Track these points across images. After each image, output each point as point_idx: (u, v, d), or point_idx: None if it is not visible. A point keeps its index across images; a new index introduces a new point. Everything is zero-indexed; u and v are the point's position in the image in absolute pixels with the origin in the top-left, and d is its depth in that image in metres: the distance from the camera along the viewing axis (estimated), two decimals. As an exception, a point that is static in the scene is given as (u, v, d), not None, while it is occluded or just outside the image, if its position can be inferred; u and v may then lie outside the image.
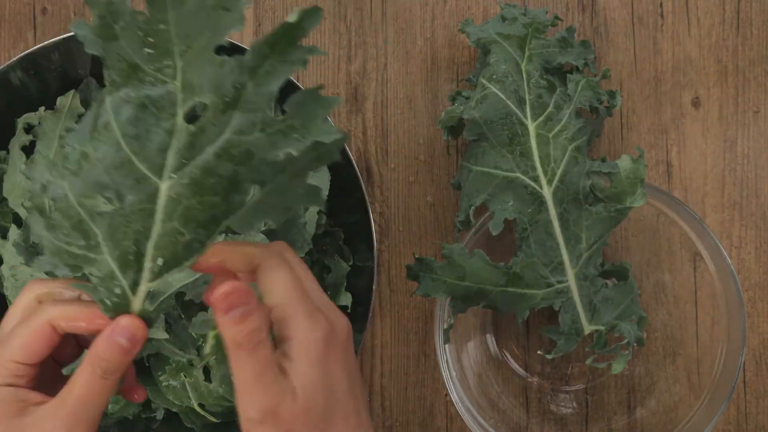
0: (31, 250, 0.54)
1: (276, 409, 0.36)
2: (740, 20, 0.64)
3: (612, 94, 0.58)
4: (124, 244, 0.36)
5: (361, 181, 0.55)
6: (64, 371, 0.41)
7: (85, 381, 0.37)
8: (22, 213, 0.55)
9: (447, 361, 0.57)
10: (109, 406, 0.54)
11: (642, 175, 0.53)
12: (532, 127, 0.53)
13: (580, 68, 0.57)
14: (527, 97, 0.54)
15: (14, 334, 0.38)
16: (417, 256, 0.53)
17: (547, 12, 0.59)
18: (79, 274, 0.37)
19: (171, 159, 0.35)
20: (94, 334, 0.38)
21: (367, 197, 0.55)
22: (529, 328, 0.64)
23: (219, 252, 0.37)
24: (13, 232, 0.55)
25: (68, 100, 0.57)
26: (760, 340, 0.63)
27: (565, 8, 0.64)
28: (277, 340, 0.38)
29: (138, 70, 0.35)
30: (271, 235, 0.54)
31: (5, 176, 0.57)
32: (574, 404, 0.63)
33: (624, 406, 0.63)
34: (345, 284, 0.59)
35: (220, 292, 0.36)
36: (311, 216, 0.57)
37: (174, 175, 0.35)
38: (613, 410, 0.63)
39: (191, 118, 0.35)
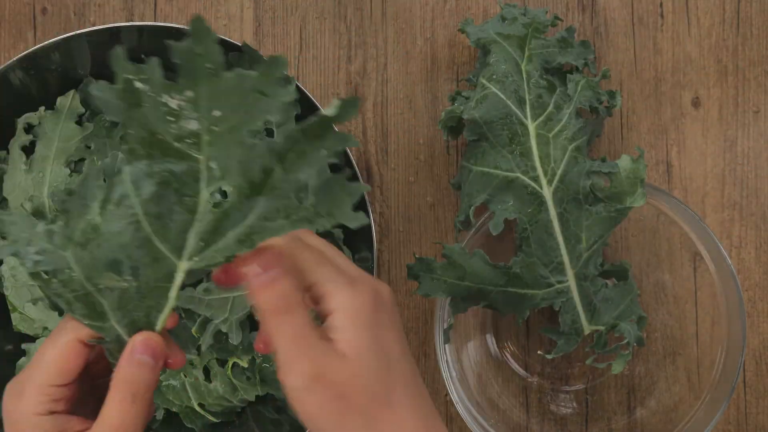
0: None
1: (322, 372, 0.35)
2: (740, 20, 0.64)
3: (612, 94, 0.58)
4: (134, 315, 0.35)
5: (361, 181, 0.55)
6: None
7: (117, 410, 0.36)
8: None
9: (447, 361, 0.57)
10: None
11: (642, 175, 0.53)
12: (532, 127, 0.53)
13: (580, 68, 0.57)
14: (527, 97, 0.54)
15: (45, 357, 0.37)
16: (417, 256, 0.53)
17: (547, 12, 0.59)
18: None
19: (192, 241, 0.33)
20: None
21: (367, 197, 0.55)
22: (529, 328, 0.64)
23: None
24: None
25: (68, 100, 0.57)
26: (760, 340, 0.63)
27: (565, 8, 0.64)
28: (321, 317, 0.37)
29: (161, 142, 0.32)
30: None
31: (5, 176, 0.57)
32: (574, 404, 0.63)
33: (624, 406, 0.63)
34: None
35: (249, 257, 0.35)
36: None
37: (195, 258, 0.34)
38: (613, 410, 0.63)
39: (214, 197, 0.34)
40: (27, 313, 0.56)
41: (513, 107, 0.53)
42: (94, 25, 0.63)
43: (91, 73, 0.58)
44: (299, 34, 0.64)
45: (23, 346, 0.56)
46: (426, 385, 0.63)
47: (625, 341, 0.55)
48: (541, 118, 0.53)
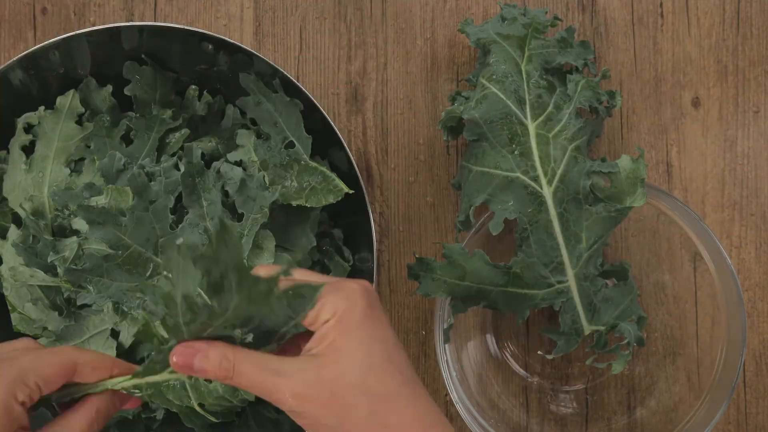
0: (30, 251, 0.54)
1: (302, 385, 0.37)
2: (740, 20, 0.64)
3: (612, 94, 0.58)
4: None
5: (361, 181, 0.55)
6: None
7: (83, 421, 0.41)
8: (22, 213, 0.55)
9: (447, 361, 0.57)
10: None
11: (642, 175, 0.52)
12: (532, 127, 0.53)
13: (580, 68, 0.57)
14: (527, 97, 0.54)
15: (42, 359, 0.40)
16: (417, 256, 0.53)
17: (546, 12, 0.59)
18: None
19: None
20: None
21: (367, 197, 0.55)
22: (529, 328, 0.64)
23: None
24: (13, 232, 0.55)
25: (68, 100, 0.57)
26: (760, 340, 0.63)
27: (565, 8, 0.64)
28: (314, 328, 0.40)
29: None
30: (277, 231, 0.54)
31: (5, 176, 0.57)
32: (574, 404, 0.63)
33: (624, 406, 0.63)
34: None
35: (173, 362, 0.39)
36: (313, 216, 0.57)
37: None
38: (613, 410, 0.63)
39: None
40: (27, 313, 0.56)
41: (513, 107, 0.53)
42: (94, 25, 0.63)
43: (91, 73, 0.58)
44: (299, 34, 0.64)
45: None
46: (426, 385, 0.64)
47: (625, 341, 0.55)
48: (541, 118, 0.53)
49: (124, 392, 0.43)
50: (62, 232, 0.56)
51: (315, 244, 0.56)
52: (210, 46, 0.56)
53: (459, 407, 0.57)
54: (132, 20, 0.64)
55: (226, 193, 0.55)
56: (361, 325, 0.38)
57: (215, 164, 0.55)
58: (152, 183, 0.53)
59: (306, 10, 0.64)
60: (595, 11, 0.64)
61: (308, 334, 0.40)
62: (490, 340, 0.64)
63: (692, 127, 0.64)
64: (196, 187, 0.53)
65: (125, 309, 0.53)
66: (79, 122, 0.57)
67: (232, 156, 0.56)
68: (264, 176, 0.55)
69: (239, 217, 0.53)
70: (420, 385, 0.40)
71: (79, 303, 0.53)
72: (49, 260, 0.53)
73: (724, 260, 0.56)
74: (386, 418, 0.38)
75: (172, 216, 0.53)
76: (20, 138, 0.57)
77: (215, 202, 0.53)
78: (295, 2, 0.64)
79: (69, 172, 0.56)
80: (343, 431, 0.38)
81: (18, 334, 0.56)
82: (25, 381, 0.39)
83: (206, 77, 0.59)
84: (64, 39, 0.54)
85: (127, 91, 0.58)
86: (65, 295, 0.55)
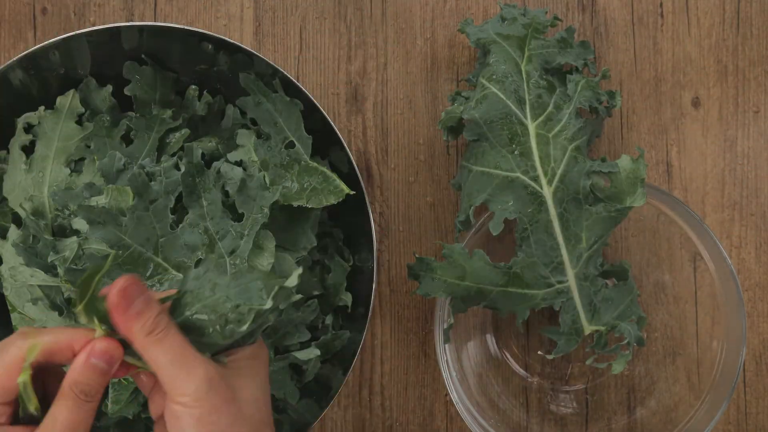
0: (30, 251, 0.54)
1: (214, 375, 0.37)
2: (740, 20, 0.64)
3: (612, 94, 0.58)
4: None
5: (361, 181, 0.55)
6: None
7: (69, 408, 0.37)
8: (22, 213, 0.55)
9: (447, 361, 0.57)
10: (110, 406, 0.54)
11: (642, 175, 0.52)
12: (532, 127, 0.53)
13: (580, 68, 0.57)
14: (527, 97, 0.54)
15: None
16: (417, 256, 0.53)
17: (546, 12, 0.59)
18: None
19: None
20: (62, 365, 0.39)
21: (367, 197, 0.55)
22: (529, 328, 0.64)
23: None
24: (13, 232, 0.55)
25: (68, 100, 0.57)
26: (760, 340, 0.63)
27: (565, 8, 0.64)
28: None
29: None
30: (277, 231, 0.54)
31: (5, 176, 0.57)
32: (574, 404, 0.63)
33: (624, 406, 0.63)
34: (345, 284, 0.59)
35: (116, 290, 0.36)
36: (314, 216, 0.57)
37: None
38: (613, 410, 0.63)
39: None
40: (27, 313, 0.56)
41: (513, 107, 0.53)
42: (94, 25, 0.63)
43: (91, 73, 0.58)
44: (299, 34, 0.64)
45: None
46: (426, 385, 0.64)
47: (625, 341, 0.55)
48: (541, 118, 0.53)
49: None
50: (62, 232, 0.56)
51: (315, 244, 0.56)
52: (210, 46, 0.56)
53: (459, 407, 0.57)
54: (132, 20, 0.64)
55: (226, 193, 0.55)
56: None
57: (215, 164, 0.55)
58: (152, 183, 0.53)
59: (306, 10, 0.64)
60: (595, 11, 0.64)
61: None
62: (490, 340, 0.64)
63: (692, 127, 0.64)
64: (196, 187, 0.53)
65: None
66: (79, 122, 0.57)
67: (232, 156, 0.56)
68: (264, 176, 0.55)
69: (239, 217, 0.53)
70: None
71: None
72: (49, 260, 0.53)
73: (724, 260, 0.56)
74: None
75: (173, 216, 0.53)
76: (20, 138, 0.57)
77: (215, 201, 0.53)
78: (295, 2, 0.64)
79: (69, 172, 0.56)
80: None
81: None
82: None
83: (206, 77, 0.59)
84: (64, 39, 0.54)
85: (127, 91, 0.58)
86: (65, 295, 0.55)
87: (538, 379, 0.63)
